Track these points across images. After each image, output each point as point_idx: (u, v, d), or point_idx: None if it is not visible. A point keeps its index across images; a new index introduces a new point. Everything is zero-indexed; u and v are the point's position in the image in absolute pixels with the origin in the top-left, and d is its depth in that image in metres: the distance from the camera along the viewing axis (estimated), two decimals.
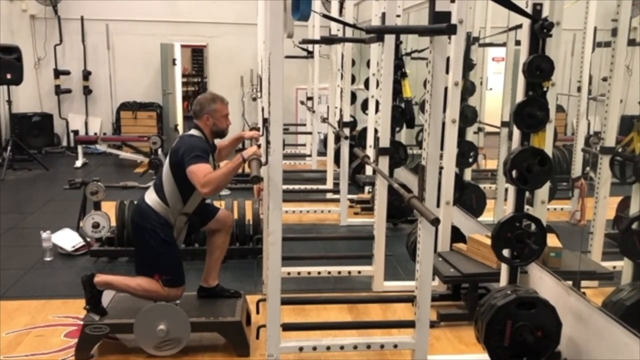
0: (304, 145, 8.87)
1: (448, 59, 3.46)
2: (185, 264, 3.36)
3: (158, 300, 3.12)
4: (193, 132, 3.18)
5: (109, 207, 4.66)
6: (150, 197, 3.12)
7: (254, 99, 9.33)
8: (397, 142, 4.85)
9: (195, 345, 3.15)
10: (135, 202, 3.29)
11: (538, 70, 2.64)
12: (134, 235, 3.24)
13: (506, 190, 2.95)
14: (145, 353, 3.05)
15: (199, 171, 2.93)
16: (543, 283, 3.16)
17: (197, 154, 2.98)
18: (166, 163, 3.14)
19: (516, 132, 2.76)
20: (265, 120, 3.30)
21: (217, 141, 3.35)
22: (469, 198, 4.81)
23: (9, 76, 7.89)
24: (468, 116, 4.96)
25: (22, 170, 7.89)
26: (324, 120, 6.57)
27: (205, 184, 2.92)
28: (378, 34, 3.78)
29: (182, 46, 9.27)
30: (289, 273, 3.90)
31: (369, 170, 5.94)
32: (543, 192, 3.30)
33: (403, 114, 4.68)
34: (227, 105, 3.26)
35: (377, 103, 4.50)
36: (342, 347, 2.92)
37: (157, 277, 3.09)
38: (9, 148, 7.89)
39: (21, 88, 8.62)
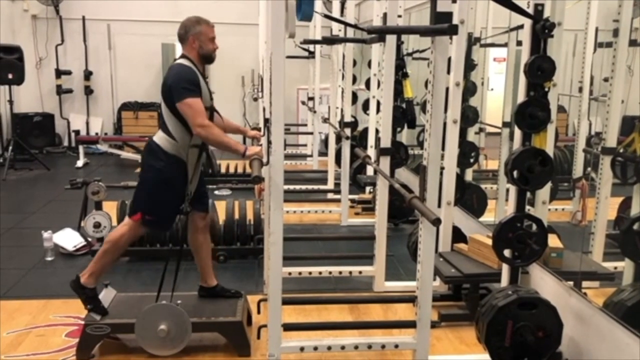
0: (305, 145, 8.88)
1: (449, 59, 3.46)
2: (187, 264, 3.38)
3: (124, 244, 3.11)
4: (181, 61, 3.08)
5: (110, 207, 4.66)
6: (158, 136, 3.07)
7: (255, 99, 9.33)
8: (398, 143, 4.85)
9: (196, 345, 3.15)
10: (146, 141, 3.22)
11: (539, 70, 2.64)
12: (140, 174, 3.20)
13: (507, 190, 2.95)
14: (146, 353, 3.05)
15: (193, 107, 2.89)
16: (544, 283, 3.16)
17: (186, 86, 2.92)
18: (161, 97, 3.06)
19: (517, 133, 2.76)
20: (266, 121, 3.29)
21: (220, 120, 3.28)
22: (470, 198, 4.81)
23: (10, 76, 7.89)
24: (469, 116, 4.96)
25: (23, 170, 7.89)
26: (325, 120, 6.58)
27: (202, 125, 2.89)
28: (379, 34, 3.78)
29: None
30: (290, 273, 3.90)
31: (370, 171, 5.94)
32: (544, 192, 3.31)
33: (404, 114, 4.67)
34: (213, 28, 3.16)
35: (378, 103, 4.50)
36: (343, 347, 2.92)
37: (138, 215, 3.05)
38: (10, 148, 7.89)
39: (22, 88, 8.62)
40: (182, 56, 3.13)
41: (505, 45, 4.93)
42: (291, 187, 6.36)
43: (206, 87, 3.11)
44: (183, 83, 2.94)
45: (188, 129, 3.01)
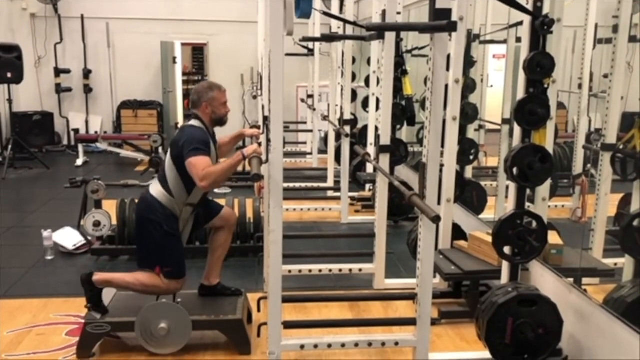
0: (305, 143, 8.87)
1: (449, 56, 3.45)
2: (187, 262, 3.36)
3: (158, 294, 3.13)
4: (193, 122, 3.16)
5: (110, 206, 4.66)
6: (155, 189, 3.11)
7: (255, 97, 9.33)
8: (397, 140, 4.85)
9: (197, 343, 3.15)
10: (140, 195, 3.27)
11: (539, 67, 2.63)
12: (138, 228, 3.22)
13: (507, 187, 2.96)
14: (146, 351, 3.05)
15: (198, 164, 2.93)
16: (544, 280, 3.16)
17: (196, 146, 2.97)
18: (168, 155, 3.13)
19: (517, 130, 2.76)
20: (265, 118, 3.29)
21: (218, 138, 3.35)
22: (470, 195, 4.81)
23: (9, 75, 7.88)
24: (469, 113, 4.96)
25: (23, 169, 7.89)
26: (325, 118, 6.57)
27: (204, 177, 2.92)
28: (378, 31, 3.77)
29: (183, 44, 9.27)
30: (290, 271, 3.90)
31: (369, 168, 5.95)
32: (544, 189, 3.30)
33: (404, 111, 4.68)
34: (225, 92, 3.23)
35: (378, 101, 4.49)
36: (343, 345, 2.92)
37: (158, 269, 3.08)
38: (9, 147, 7.89)
39: (22, 87, 8.61)
40: (195, 117, 3.18)
41: (505, 42, 4.93)
42: (291, 185, 6.36)
43: (214, 149, 3.17)
44: (196, 143, 3.00)
45: (187, 188, 3.07)
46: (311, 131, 8.23)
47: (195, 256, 4.13)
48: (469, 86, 4.99)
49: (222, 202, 4.71)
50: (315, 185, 6.60)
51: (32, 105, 9.28)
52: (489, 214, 4.68)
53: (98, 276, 3.11)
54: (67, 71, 9.39)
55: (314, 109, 7.63)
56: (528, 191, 2.85)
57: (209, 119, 3.18)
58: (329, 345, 2.91)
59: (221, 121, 3.23)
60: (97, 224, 4.51)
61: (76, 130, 9.16)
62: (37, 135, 9.04)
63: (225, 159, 3.15)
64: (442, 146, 3.12)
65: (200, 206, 3.23)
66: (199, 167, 2.92)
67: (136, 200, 3.97)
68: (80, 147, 8.36)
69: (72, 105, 9.61)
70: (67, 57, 9.42)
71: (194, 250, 4.30)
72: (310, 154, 8.23)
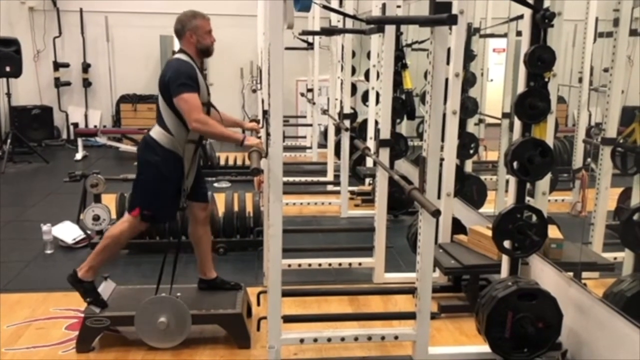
0: (305, 137, 8.86)
1: (449, 50, 3.44)
2: (186, 256, 3.38)
3: (124, 241, 3.17)
4: (179, 56, 3.08)
5: (109, 200, 4.65)
6: (155, 130, 3.07)
7: (254, 91, 9.32)
8: (397, 134, 4.84)
9: (196, 337, 3.15)
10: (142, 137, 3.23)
11: (539, 60, 2.62)
12: (137, 171, 3.19)
13: (507, 181, 2.95)
14: (146, 345, 3.05)
15: (189, 102, 2.88)
16: (544, 274, 3.16)
17: (183, 82, 2.91)
18: (159, 92, 3.06)
19: (517, 123, 2.75)
20: (265, 112, 3.28)
21: (217, 116, 3.27)
22: (470, 190, 4.81)
23: (8, 69, 7.85)
24: (469, 107, 4.95)
25: (22, 163, 7.88)
26: (324, 112, 6.56)
27: (198, 120, 2.89)
28: (378, 24, 3.76)
29: None
30: (289, 265, 3.90)
31: (369, 162, 5.94)
32: (544, 183, 3.31)
33: (404, 105, 4.66)
34: (209, 21, 3.16)
35: (378, 95, 4.48)
36: (342, 339, 2.92)
37: (137, 211, 3.06)
38: (8, 141, 7.87)
39: (20, 81, 8.60)
40: (180, 51, 3.12)
41: (505, 35, 4.91)
42: (290, 179, 6.35)
43: (204, 83, 3.11)
44: (181, 78, 2.93)
45: (185, 124, 3.00)
46: (311, 125, 8.23)
47: (194, 250, 4.13)
48: (469, 80, 4.98)
49: (221, 196, 4.75)
50: (315, 179, 6.59)
51: (31, 99, 9.26)
52: (488, 208, 4.69)
53: (81, 270, 3.09)
54: (66, 65, 9.37)
55: (314, 103, 7.62)
56: (528, 185, 2.84)
57: (195, 49, 3.09)
58: (329, 339, 2.92)
59: (207, 51, 3.15)
60: (96, 218, 4.51)
61: (75, 124, 9.14)
62: (36, 130, 9.02)
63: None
64: (442, 140, 3.11)
65: (201, 145, 3.18)
66: (192, 105, 2.87)
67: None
68: (80, 141, 8.34)
69: (71, 99, 9.60)
70: (66, 51, 9.39)
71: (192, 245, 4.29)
72: (310, 148, 8.22)
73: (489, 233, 2.95)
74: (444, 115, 2.79)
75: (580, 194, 4.80)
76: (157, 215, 3.15)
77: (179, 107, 2.93)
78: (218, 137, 3.05)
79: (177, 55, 3.11)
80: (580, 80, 4.97)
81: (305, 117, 8.99)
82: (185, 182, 3.08)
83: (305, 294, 3.64)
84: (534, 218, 2.78)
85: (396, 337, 2.94)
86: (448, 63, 3.20)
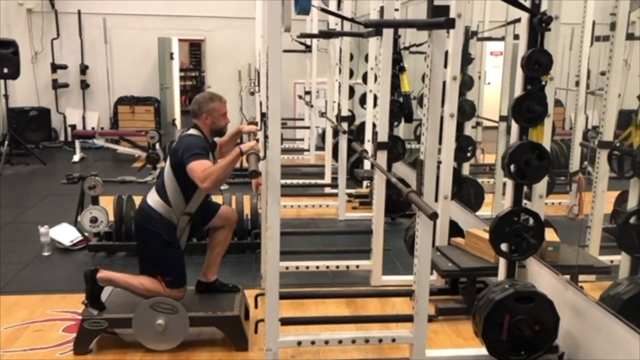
0: (302, 139, 8.87)
1: (446, 53, 3.45)
2: (185, 260, 3.36)
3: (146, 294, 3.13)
4: (192, 131, 3.18)
5: (107, 202, 4.65)
6: (153, 199, 3.13)
7: (252, 93, 9.32)
8: (395, 137, 4.85)
9: (194, 339, 3.15)
10: (138, 205, 3.30)
11: (537, 64, 2.64)
12: (137, 237, 3.25)
13: (504, 184, 2.96)
14: (143, 348, 3.05)
15: (198, 167, 2.94)
16: (541, 277, 3.17)
17: (196, 152, 2.99)
18: (167, 164, 3.16)
19: (514, 127, 2.76)
20: (263, 115, 3.29)
21: (217, 138, 3.35)
22: (467, 192, 4.81)
23: (5, 70, 7.86)
24: (466, 110, 4.95)
25: (19, 165, 7.87)
26: (322, 114, 6.57)
27: (205, 178, 2.92)
28: (376, 27, 3.77)
29: (180, 40, 9.26)
30: (287, 267, 3.90)
31: (367, 165, 5.95)
32: (541, 186, 3.31)
33: (401, 108, 4.67)
34: (225, 103, 3.26)
35: (375, 97, 4.49)
36: (340, 342, 2.92)
37: (159, 278, 3.10)
38: (6, 143, 7.86)
39: (18, 82, 8.59)
40: (194, 126, 3.19)
41: (502, 39, 4.93)
42: (288, 181, 6.36)
43: (212, 157, 3.17)
44: (196, 149, 3.01)
45: (185, 196, 3.09)
46: (308, 128, 8.23)
47: (192, 253, 4.12)
48: (466, 83, 4.99)
49: (219, 198, 4.75)
50: (313, 181, 6.60)
51: (29, 101, 9.25)
52: (486, 211, 4.69)
53: (103, 274, 3.12)
54: (64, 67, 9.36)
55: (312, 106, 7.63)
56: (525, 188, 2.85)
57: (209, 129, 3.19)
58: (326, 342, 2.92)
59: (220, 132, 3.26)
60: (94, 220, 4.51)
61: (73, 126, 9.13)
62: (33, 131, 9.01)
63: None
64: (440, 143, 3.12)
65: (198, 214, 3.24)
66: (199, 169, 2.92)
67: (133, 197, 3.96)
68: (77, 143, 8.33)
69: (68, 101, 9.58)
70: (63, 52, 9.38)
71: (191, 247, 4.27)
72: (308, 150, 8.22)
73: (486, 236, 2.96)
74: (442, 118, 2.79)
75: (577, 197, 4.80)
76: (179, 278, 3.14)
77: (190, 174, 2.96)
78: (227, 171, 3.01)
79: (190, 131, 3.19)
80: (577, 83, 4.98)
81: (303, 119, 9.00)
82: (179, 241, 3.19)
83: (303, 297, 3.64)
84: (531, 221, 2.79)
85: (393, 340, 2.94)
86: (446, 66, 3.21)
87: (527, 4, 2.63)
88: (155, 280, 3.10)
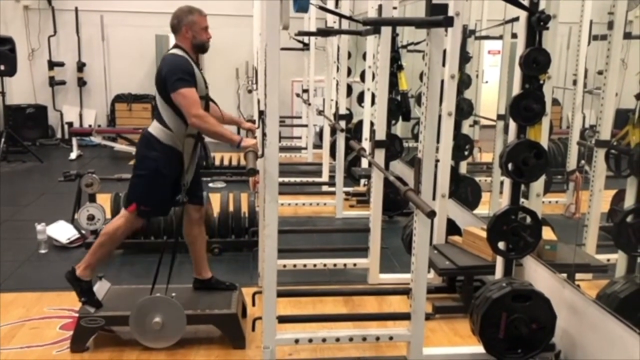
0: (300, 137, 8.86)
1: (445, 51, 3.45)
2: (181, 256, 3.36)
3: (121, 237, 3.15)
4: (174, 50, 3.08)
5: (104, 200, 4.64)
6: (153, 126, 3.07)
7: (250, 91, 9.32)
8: (393, 135, 4.85)
9: (191, 337, 3.14)
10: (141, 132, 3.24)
11: (534, 63, 2.64)
12: (134, 166, 3.20)
13: (502, 183, 2.97)
14: (140, 345, 3.05)
15: (187, 97, 2.88)
16: (538, 276, 3.17)
17: (180, 77, 2.91)
18: (156, 88, 3.06)
19: (512, 125, 2.77)
20: (261, 113, 3.29)
21: (216, 111, 3.28)
22: (465, 191, 4.82)
23: (2, 67, 7.83)
24: (464, 109, 4.96)
25: (16, 162, 7.84)
26: (320, 112, 6.57)
27: (197, 116, 2.89)
28: (374, 26, 3.77)
29: None
30: (284, 265, 3.89)
31: (364, 163, 5.94)
32: (538, 185, 3.31)
33: (399, 106, 4.67)
34: (206, 17, 3.15)
35: (373, 96, 4.49)
36: (337, 339, 2.93)
37: (134, 206, 3.07)
38: (2, 140, 7.84)
39: (15, 79, 8.56)
40: (176, 46, 3.13)
41: (500, 37, 4.93)
42: (286, 179, 6.35)
43: (201, 77, 3.11)
44: (177, 73, 2.93)
45: (183, 118, 3.00)
46: (306, 126, 8.22)
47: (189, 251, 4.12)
48: (464, 82, 4.99)
49: (216, 196, 4.75)
50: (310, 180, 6.59)
51: (26, 98, 9.23)
52: (483, 210, 4.70)
53: (79, 268, 3.09)
54: (61, 64, 9.34)
55: (309, 104, 7.62)
56: (522, 187, 2.85)
57: (190, 44, 3.09)
58: (324, 340, 2.92)
59: (203, 47, 3.15)
60: (91, 217, 4.50)
61: (70, 124, 9.10)
62: (30, 129, 8.99)
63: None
64: (437, 141, 3.12)
65: (201, 139, 3.17)
66: (191, 101, 2.87)
67: None
68: (74, 141, 8.31)
69: (65, 98, 9.56)
70: (60, 49, 9.36)
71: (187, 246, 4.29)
72: (305, 148, 8.22)
73: (484, 234, 2.96)
74: (440, 116, 2.80)
75: (574, 195, 4.81)
76: (154, 210, 3.17)
77: (177, 103, 2.93)
78: (216, 135, 3.02)
79: (172, 51, 3.11)
80: (575, 82, 4.98)
81: (300, 117, 8.98)
82: (185, 177, 3.08)
83: (300, 295, 3.64)
84: (528, 219, 2.79)
85: (391, 338, 2.94)
86: (444, 65, 3.21)
87: (526, 3, 2.63)
88: (119, 217, 3.10)
